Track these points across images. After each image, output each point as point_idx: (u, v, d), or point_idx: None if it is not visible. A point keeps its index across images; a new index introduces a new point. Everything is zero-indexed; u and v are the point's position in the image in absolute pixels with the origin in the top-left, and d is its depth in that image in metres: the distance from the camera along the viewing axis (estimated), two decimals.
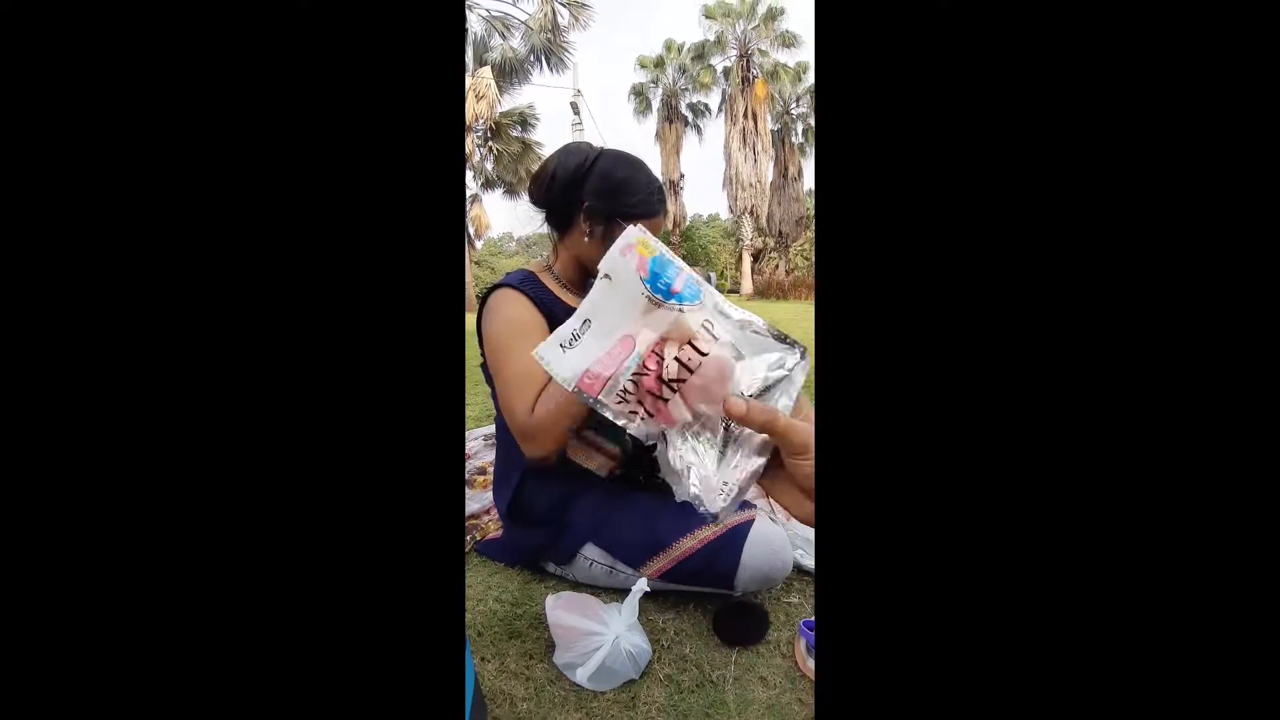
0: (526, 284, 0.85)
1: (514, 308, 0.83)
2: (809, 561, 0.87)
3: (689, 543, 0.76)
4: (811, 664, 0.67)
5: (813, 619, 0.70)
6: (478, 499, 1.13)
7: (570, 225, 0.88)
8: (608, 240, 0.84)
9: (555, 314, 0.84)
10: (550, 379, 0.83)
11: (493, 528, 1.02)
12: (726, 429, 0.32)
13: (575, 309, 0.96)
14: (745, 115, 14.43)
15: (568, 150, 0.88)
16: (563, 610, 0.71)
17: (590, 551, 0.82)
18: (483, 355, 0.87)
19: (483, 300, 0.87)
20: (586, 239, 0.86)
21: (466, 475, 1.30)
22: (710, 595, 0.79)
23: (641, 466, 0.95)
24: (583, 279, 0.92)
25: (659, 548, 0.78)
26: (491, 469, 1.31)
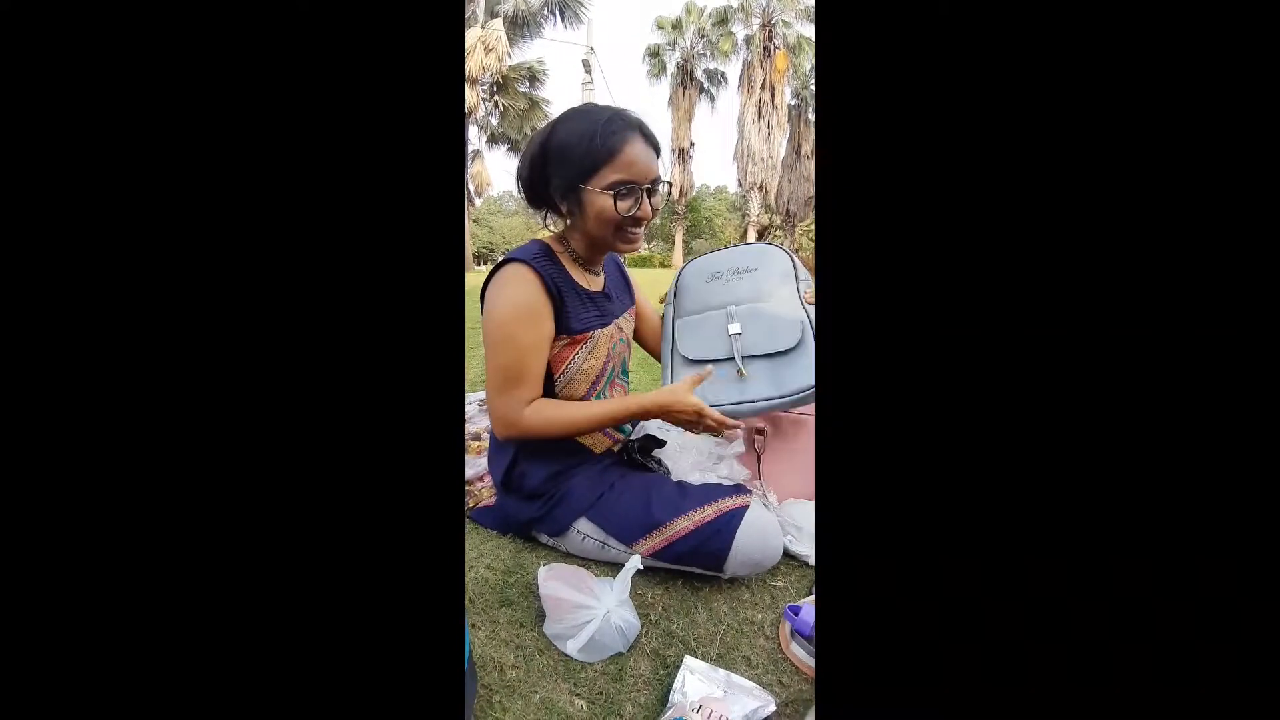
0: (540, 261, 0.79)
1: (523, 289, 0.78)
2: (797, 547, 0.89)
3: (683, 523, 0.77)
4: (795, 647, 0.69)
5: (798, 604, 0.72)
6: (471, 465, 1.13)
7: (559, 211, 0.83)
8: (584, 211, 0.78)
9: (564, 296, 0.80)
10: (545, 379, 0.81)
11: (486, 495, 1.02)
12: None
13: (589, 290, 0.89)
14: (763, 87, 14.05)
15: (526, 145, 0.82)
16: (555, 582, 0.72)
17: (583, 526, 0.83)
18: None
19: (494, 269, 0.82)
20: (570, 220, 0.82)
21: None
22: (699, 574, 0.81)
23: (634, 445, 0.95)
24: (598, 255, 0.87)
25: (652, 526, 0.78)
26: (486, 435, 1.31)
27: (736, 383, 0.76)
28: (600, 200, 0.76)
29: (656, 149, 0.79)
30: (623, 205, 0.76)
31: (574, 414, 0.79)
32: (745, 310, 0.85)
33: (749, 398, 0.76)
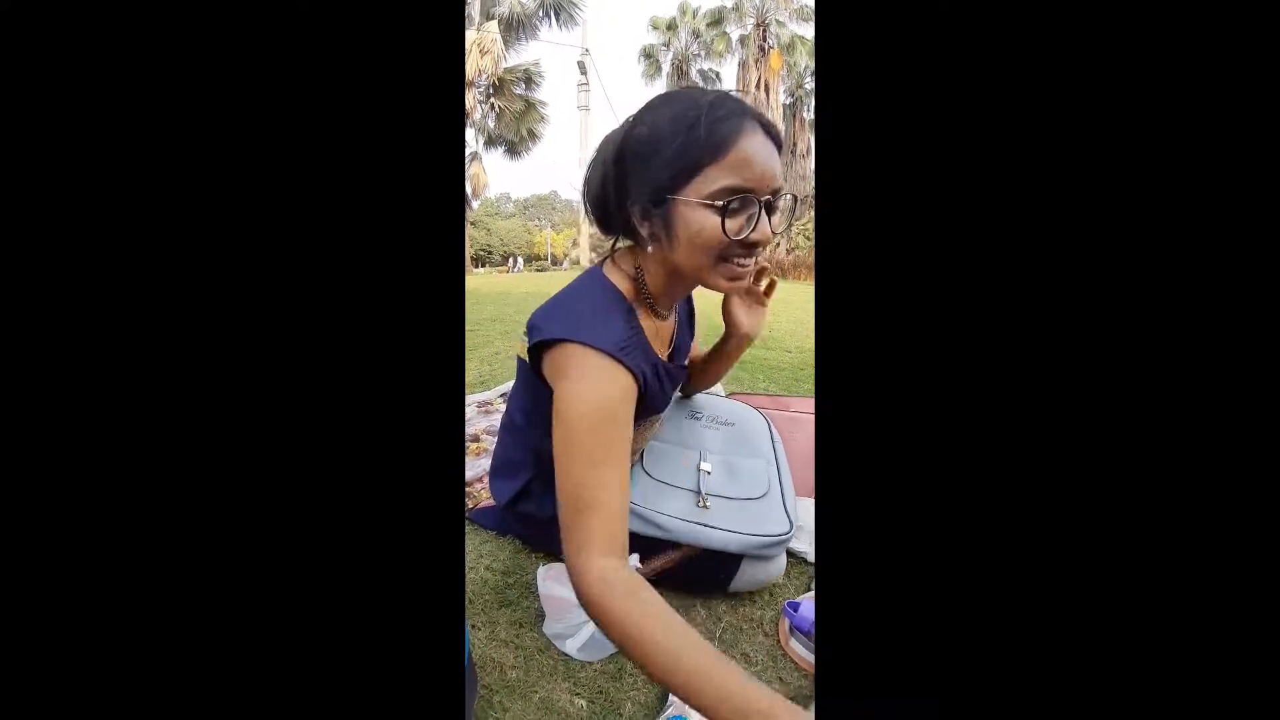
0: (631, 353, 0.57)
1: (615, 392, 0.55)
2: (796, 544, 0.89)
3: (687, 549, 0.75)
4: (794, 644, 0.69)
5: (797, 600, 0.72)
6: (471, 466, 1.13)
7: (638, 235, 0.60)
8: (675, 234, 0.55)
9: (648, 380, 0.61)
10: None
11: (485, 496, 1.02)
12: None
13: (665, 364, 0.71)
14: (758, 86, 14.06)
15: (598, 149, 0.62)
16: (554, 582, 0.72)
17: None
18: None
19: (560, 339, 0.57)
20: (652, 248, 0.58)
21: None
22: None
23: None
24: (676, 295, 0.66)
25: (655, 550, 0.76)
26: (485, 437, 1.31)
27: (697, 508, 0.76)
28: (699, 217, 0.52)
29: (779, 145, 0.55)
30: (733, 225, 0.52)
31: (690, 662, 0.42)
32: (719, 459, 0.86)
33: (708, 522, 0.74)
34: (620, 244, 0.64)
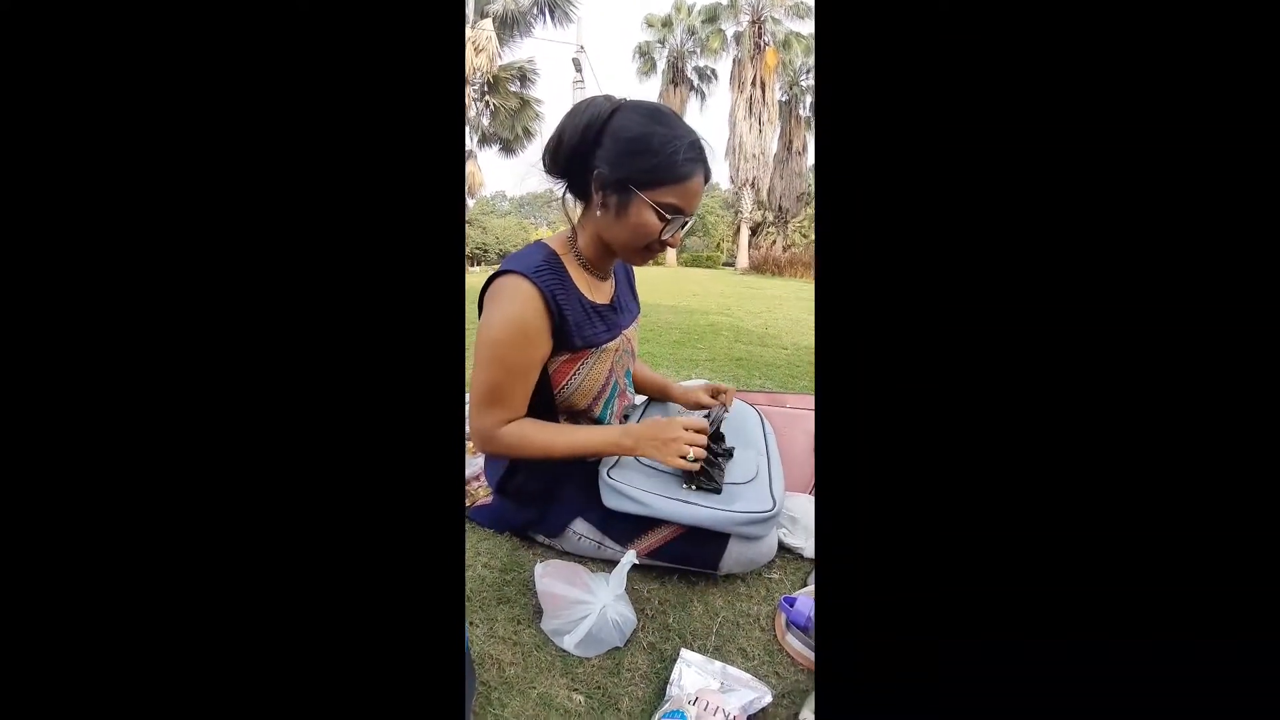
0: (543, 275, 0.75)
1: (519, 306, 0.73)
2: (791, 540, 0.90)
3: (677, 524, 0.78)
4: (790, 639, 0.70)
5: (794, 595, 0.73)
6: (470, 464, 1.14)
7: (588, 197, 0.77)
8: (625, 215, 0.73)
9: (567, 313, 0.76)
10: (545, 393, 0.80)
11: (483, 494, 1.03)
12: None
13: (595, 303, 0.82)
14: (753, 83, 14.05)
15: (578, 109, 0.75)
16: (551, 579, 0.72)
17: (579, 526, 0.84)
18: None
19: (493, 276, 0.77)
20: (600, 212, 0.75)
21: None
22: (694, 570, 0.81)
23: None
24: (607, 260, 0.84)
25: (647, 526, 0.79)
26: None
27: (682, 489, 0.79)
28: (648, 215, 0.72)
29: (708, 180, 0.78)
30: (667, 229, 0.74)
31: (551, 439, 0.77)
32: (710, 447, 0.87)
33: (691, 500, 0.76)
34: (568, 200, 0.81)
